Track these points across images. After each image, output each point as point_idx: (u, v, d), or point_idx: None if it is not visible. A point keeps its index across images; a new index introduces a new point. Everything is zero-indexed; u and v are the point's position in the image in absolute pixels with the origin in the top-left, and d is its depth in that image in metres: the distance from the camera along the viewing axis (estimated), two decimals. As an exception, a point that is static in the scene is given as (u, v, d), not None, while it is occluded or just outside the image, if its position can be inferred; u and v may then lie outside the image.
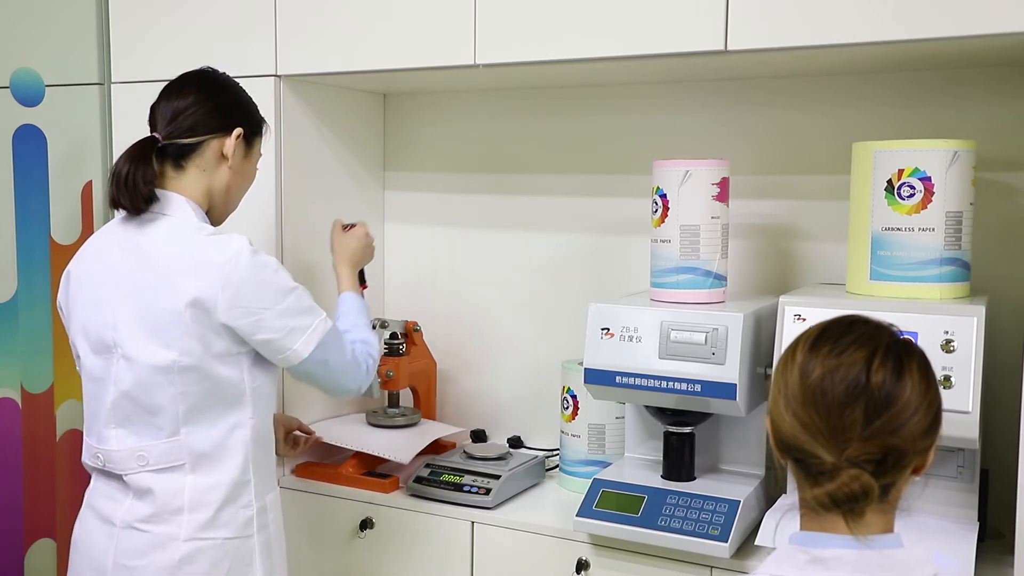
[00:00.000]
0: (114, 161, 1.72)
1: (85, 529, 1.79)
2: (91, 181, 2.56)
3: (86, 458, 1.80)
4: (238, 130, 1.78)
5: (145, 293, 1.67)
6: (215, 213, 1.81)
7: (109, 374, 1.71)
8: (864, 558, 1.11)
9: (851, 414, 1.09)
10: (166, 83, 1.81)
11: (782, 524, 1.77)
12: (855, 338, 1.14)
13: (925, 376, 1.14)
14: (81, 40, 2.54)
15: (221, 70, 1.87)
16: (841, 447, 1.10)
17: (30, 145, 2.55)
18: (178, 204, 1.72)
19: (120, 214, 1.75)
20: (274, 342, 1.69)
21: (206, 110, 1.75)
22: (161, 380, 1.67)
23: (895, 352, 1.13)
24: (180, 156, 1.74)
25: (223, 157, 1.77)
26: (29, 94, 2.52)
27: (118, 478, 1.73)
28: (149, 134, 1.76)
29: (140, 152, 1.71)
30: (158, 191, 1.72)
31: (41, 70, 2.53)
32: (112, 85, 2.51)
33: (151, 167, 1.71)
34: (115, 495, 1.74)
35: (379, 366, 2.35)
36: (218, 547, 1.69)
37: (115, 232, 1.76)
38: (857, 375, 1.11)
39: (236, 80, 1.87)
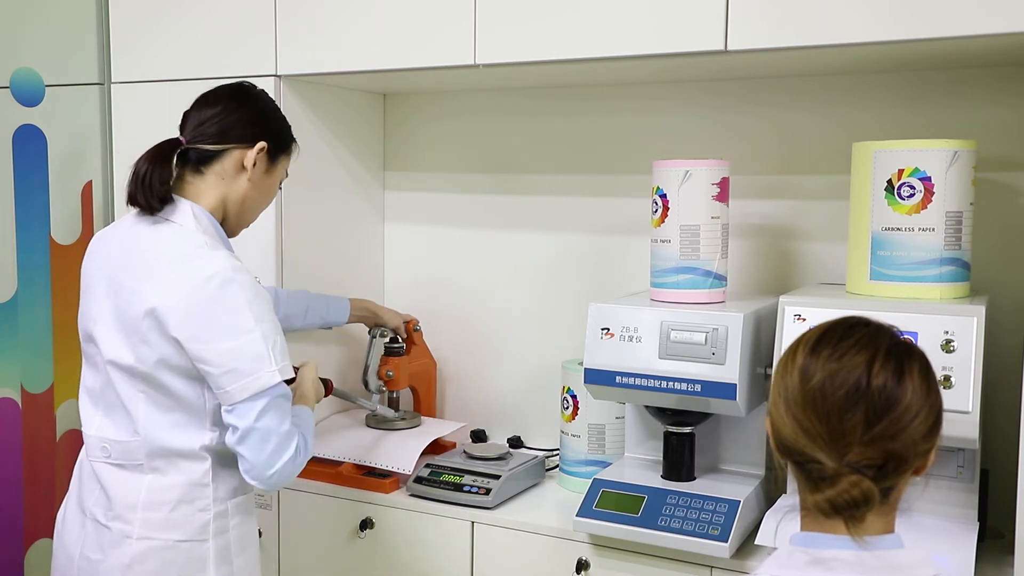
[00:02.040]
0: (136, 160, 1.72)
1: (66, 516, 1.81)
2: (91, 181, 2.56)
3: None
4: (261, 143, 1.76)
5: (122, 293, 1.68)
6: (229, 224, 1.80)
7: (93, 363, 1.76)
8: (864, 559, 1.11)
9: (852, 418, 1.09)
10: (207, 90, 1.81)
11: (782, 524, 1.77)
12: (855, 341, 1.14)
13: (926, 379, 1.13)
14: (81, 40, 2.54)
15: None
16: (842, 452, 1.09)
17: (30, 145, 2.55)
18: (184, 211, 1.71)
19: (133, 211, 1.75)
20: (211, 376, 1.63)
21: (232, 120, 1.75)
22: (124, 379, 1.68)
23: (896, 355, 1.12)
24: (201, 162, 1.74)
25: (243, 168, 1.76)
26: (29, 94, 2.53)
27: (90, 465, 1.76)
28: (176, 136, 1.76)
29: (161, 152, 1.72)
30: (176, 196, 1.72)
31: (41, 70, 2.53)
32: (112, 85, 2.51)
33: (169, 168, 1.71)
34: (91, 484, 1.76)
35: (380, 366, 2.36)
36: (169, 548, 1.68)
37: (124, 228, 1.77)
38: (858, 379, 1.10)
39: (271, 97, 1.86)
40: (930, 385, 1.13)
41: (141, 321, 1.64)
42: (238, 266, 1.66)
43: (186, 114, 1.78)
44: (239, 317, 1.62)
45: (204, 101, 1.78)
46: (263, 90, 1.86)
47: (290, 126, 1.87)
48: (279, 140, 1.82)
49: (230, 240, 1.81)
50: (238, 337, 1.62)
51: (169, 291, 1.63)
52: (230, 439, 1.64)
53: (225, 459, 1.73)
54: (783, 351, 1.22)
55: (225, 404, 1.64)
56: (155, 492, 1.69)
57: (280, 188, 1.89)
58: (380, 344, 2.37)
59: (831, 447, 1.10)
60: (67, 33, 2.55)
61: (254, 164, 1.76)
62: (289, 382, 1.69)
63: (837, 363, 1.12)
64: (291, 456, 1.65)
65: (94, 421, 1.77)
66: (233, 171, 1.76)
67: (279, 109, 1.87)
